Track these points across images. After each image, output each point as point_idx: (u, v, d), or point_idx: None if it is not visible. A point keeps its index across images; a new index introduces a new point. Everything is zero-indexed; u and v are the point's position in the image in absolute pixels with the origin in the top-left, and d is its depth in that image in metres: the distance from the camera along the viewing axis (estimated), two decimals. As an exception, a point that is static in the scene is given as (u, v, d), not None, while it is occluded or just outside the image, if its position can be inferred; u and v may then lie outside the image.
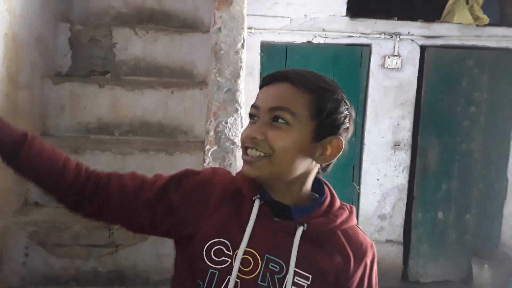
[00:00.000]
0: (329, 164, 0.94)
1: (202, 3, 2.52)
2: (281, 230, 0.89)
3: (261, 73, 3.84)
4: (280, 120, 0.86)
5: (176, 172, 0.96)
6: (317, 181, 0.96)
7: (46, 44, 2.18)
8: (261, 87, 0.93)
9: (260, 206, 0.90)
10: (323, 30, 3.84)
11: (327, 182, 0.98)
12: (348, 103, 0.92)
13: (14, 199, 1.87)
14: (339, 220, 0.91)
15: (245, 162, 0.89)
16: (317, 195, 0.96)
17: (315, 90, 0.88)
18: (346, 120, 0.91)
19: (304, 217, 0.91)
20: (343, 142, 0.90)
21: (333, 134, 0.89)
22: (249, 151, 0.88)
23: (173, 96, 2.23)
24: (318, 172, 0.95)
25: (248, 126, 0.91)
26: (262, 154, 0.86)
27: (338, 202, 0.95)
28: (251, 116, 0.91)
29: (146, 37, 2.39)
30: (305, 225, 0.88)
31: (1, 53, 1.75)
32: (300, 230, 0.88)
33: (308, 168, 0.91)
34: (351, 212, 0.95)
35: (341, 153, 0.91)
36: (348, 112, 0.91)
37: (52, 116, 2.14)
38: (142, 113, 2.22)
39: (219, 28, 1.84)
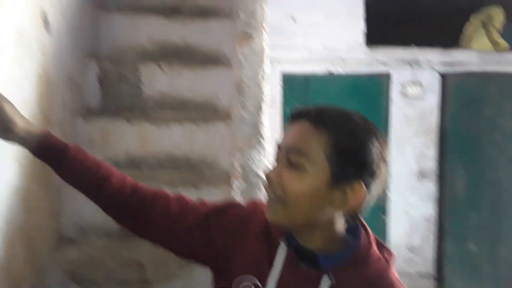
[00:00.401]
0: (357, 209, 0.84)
1: (224, 38, 2.59)
2: (306, 278, 0.84)
3: (283, 104, 3.89)
4: (295, 163, 0.81)
5: (220, 203, 0.98)
6: (353, 220, 0.88)
7: (76, 82, 2.27)
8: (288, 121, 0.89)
9: (287, 250, 0.86)
10: (342, 59, 3.89)
11: (364, 223, 0.91)
12: (380, 144, 0.83)
13: (48, 234, 1.92)
14: (372, 274, 0.83)
15: (266, 203, 0.87)
16: (351, 238, 0.88)
17: (334, 129, 0.81)
18: (373, 164, 0.81)
19: (332, 266, 0.83)
20: (366, 189, 0.81)
21: (355, 179, 0.81)
22: (267, 192, 0.85)
23: (198, 130, 2.28)
24: (347, 217, 0.86)
25: (272, 166, 0.88)
26: (276, 197, 0.82)
27: (374, 250, 0.86)
28: (275, 155, 0.87)
29: (171, 72, 2.46)
30: (332, 277, 0.81)
31: (35, 92, 1.83)
32: (326, 283, 0.81)
33: (331, 214, 0.83)
34: (388, 263, 0.86)
35: (366, 200, 0.82)
36: (376, 154, 0.82)
37: (82, 151, 2.21)
38: (169, 147, 2.27)
39: (241, 63, 1.90)
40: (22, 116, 0.97)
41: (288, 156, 0.82)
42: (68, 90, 2.17)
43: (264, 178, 0.86)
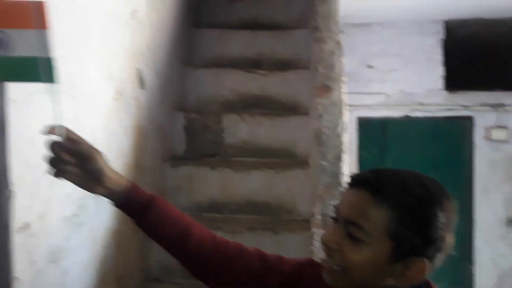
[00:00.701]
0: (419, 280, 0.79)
1: (301, 88, 2.68)
2: None
3: (358, 149, 3.89)
4: (354, 236, 0.77)
5: (301, 260, 0.98)
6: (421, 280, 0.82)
7: (165, 132, 2.46)
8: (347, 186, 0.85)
9: None
10: (421, 104, 3.84)
11: (433, 285, 0.85)
12: (447, 213, 0.78)
13: (137, 273, 2.05)
14: None
15: (323, 265, 0.84)
16: None
17: (396, 202, 0.76)
18: (438, 239, 0.77)
19: None
20: (430, 262, 0.77)
21: (417, 255, 0.77)
22: (325, 256, 0.82)
23: (277, 176, 2.35)
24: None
25: (330, 226, 0.84)
26: (335, 266, 0.80)
27: None
28: (334, 216, 0.83)
29: (251, 121, 2.58)
30: None
31: (130, 143, 2.01)
32: None
33: (391, 283, 0.80)
34: None
35: (429, 271, 0.78)
36: (442, 227, 0.77)
37: (169, 196, 2.35)
38: (249, 193, 2.35)
39: (320, 115, 1.97)
40: (111, 168, 0.96)
41: (347, 227, 0.78)
42: (157, 139, 2.35)
43: (321, 242, 0.83)
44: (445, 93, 3.83)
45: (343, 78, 1.97)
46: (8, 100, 1.09)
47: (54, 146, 0.91)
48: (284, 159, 2.54)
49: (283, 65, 2.83)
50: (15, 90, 1.11)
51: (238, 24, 3.09)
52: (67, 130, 0.93)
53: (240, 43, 2.89)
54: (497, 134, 3.77)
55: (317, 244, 1.60)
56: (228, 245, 0.99)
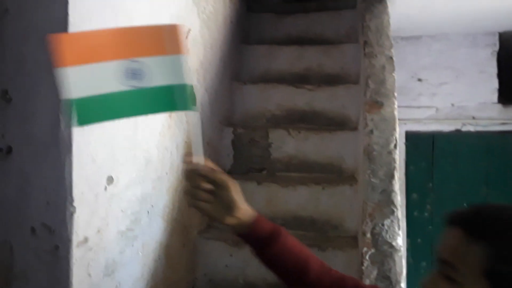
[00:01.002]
0: None
1: (349, 102, 2.66)
2: None
3: (406, 164, 3.80)
4: (449, 276, 0.75)
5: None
6: None
7: (214, 146, 2.49)
8: (445, 224, 0.83)
9: None
10: (473, 118, 3.71)
11: None
12: None
13: (184, 286, 2.08)
14: None
15: None
16: None
17: (493, 241, 0.72)
18: None
19: None
20: None
21: None
22: None
23: (324, 192, 2.33)
24: None
25: (431, 272, 0.82)
26: None
27: None
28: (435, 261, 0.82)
29: (298, 136, 2.57)
30: None
31: (181, 158, 2.05)
32: None
33: None
34: None
35: None
36: None
37: (217, 211, 2.38)
38: (295, 208, 2.34)
39: (371, 130, 1.93)
40: (242, 199, 0.97)
41: (442, 268, 0.77)
42: (207, 154, 2.38)
43: (421, 285, 0.82)
44: (499, 106, 3.68)
45: (395, 94, 1.94)
46: (72, 119, 1.14)
47: (191, 173, 0.93)
48: (331, 174, 2.51)
49: (331, 80, 2.82)
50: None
51: (286, 40, 3.11)
52: (205, 159, 0.96)
53: (288, 58, 2.90)
54: (555, 150, 3.60)
55: (367, 264, 1.57)
56: (344, 279, 1.00)
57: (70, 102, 0.80)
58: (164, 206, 1.81)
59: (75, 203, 1.17)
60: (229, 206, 0.94)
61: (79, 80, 0.79)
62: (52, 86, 1.12)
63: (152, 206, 1.67)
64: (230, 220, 0.96)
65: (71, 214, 1.17)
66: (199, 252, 2.17)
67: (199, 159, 0.95)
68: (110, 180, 1.34)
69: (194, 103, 0.91)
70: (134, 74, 0.84)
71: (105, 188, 1.31)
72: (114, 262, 1.42)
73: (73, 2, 1.10)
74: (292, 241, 1.00)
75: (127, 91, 0.84)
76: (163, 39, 0.85)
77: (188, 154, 0.95)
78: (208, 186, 0.93)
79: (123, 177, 1.42)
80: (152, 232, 1.71)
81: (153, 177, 1.67)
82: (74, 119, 0.83)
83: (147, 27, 0.87)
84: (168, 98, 0.88)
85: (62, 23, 1.10)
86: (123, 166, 1.42)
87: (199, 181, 0.92)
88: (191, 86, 0.89)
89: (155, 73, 0.86)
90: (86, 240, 1.24)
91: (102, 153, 1.29)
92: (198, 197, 0.93)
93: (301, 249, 1.00)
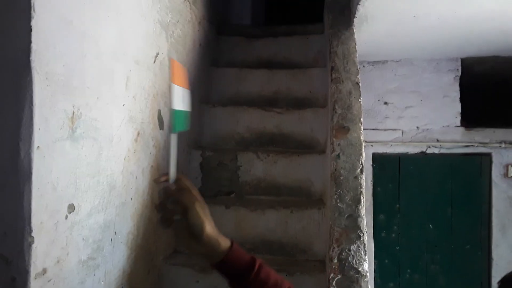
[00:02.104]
0: None
1: (317, 125, 2.69)
2: None
3: (373, 185, 3.86)
4: None
5: None
6: None
7: (182, 170, 2.47)
8: None
9: None
10: (437, 140, 3.82)
11: None
12: None
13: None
14: None
15: None
16: None
17: None
18: None
19: None
20: None
21: None
22: None
23: (292, 216, 2.33)
24: None
25: None
26: None
27: None
28: None
29: (267, 159, 2.58)
30: None
31: (147, 183, 2.01)
32: None
33: None
34: None
35: None
36: None
37: (184, 235, 2.34)
38: (264, 232, 2.33)
39: (338, 155, 1.95)
40: (212, 225, 0.91)
41: None
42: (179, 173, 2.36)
43: None
44: (462, 129, 3.80)
45: (361, 119, 1.97)
46: (34, 147, 1.11)
47: (162, 192, 0.92)
48: (299, 197, 2.52)
49: (299, 103, 2.85)
50: (39, 137, 1.13)
51: (255, 63, 3.14)
52: (181, 177, 0.96)
53: (257, 81, 2.92)
54: (516, 172, 3.72)
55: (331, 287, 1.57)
56: None
57: (174, 112, 0.99)
58: (128, 232, 1.77)
59: (34, 233, 1.13)
60: (194, 230, 0.88)
61: (178, 97, 1.02)
62: (11, 115, 1.09)
63: (115, 233, 1.63)
64: (197, 248, 0.90)
65: (29, 245, 1.13)
66: (165, 279, 2.13)
67: (172, 176, 0.96)
68: (71, 208, 1.30)
69: (180, 127, 1.04)
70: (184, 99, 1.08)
71: (66, 217, 1.27)
72: (74, 292, 1.37)
73: (36, 29, 1.08)
74: (268, 272, 0.97)
75: (185, 110, 1.08)
76: (181, 74, 1.08)
77: (165, 173, 0.96)
78: (171, 206, 0.89)
79: (85, 205, 1.39)
80: (115, 260, 1.66)
81: (117, 203, 1.63)
82: (174, 126, 1.00)
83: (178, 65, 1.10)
84: (184, 120, 1.08)
85: (25, 51, 1.08)
86: (86, 193, 1.39)
87: (165, 201, 0.90)
88: (174, 111, 1.01)
89: (187, 100, 1.11)
90: (44, 271, 1.20)
91: (64, 181, 1.26)
92: (165, 219, 0.90)
93: (276, 279, 0.97)
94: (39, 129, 1.12)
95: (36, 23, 1.09)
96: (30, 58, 1.08)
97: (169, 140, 0.99)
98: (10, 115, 1.10)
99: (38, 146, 1.13)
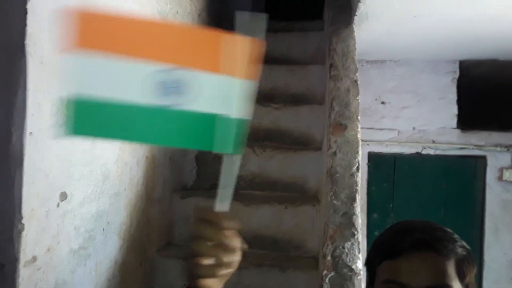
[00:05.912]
0: None
1: (314, 122, 2.68)
2: None
3: (368, 184, 3.86)
4: None
5: None
6: None
7: (176, 162, 2.45)
8: (391, 254, 0.83)
9: None
10: (433, 142, 3.81)
11: None
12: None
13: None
14: None
15: None
16: None
17: (455, 252, 0.81)
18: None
19: None
20: None
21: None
22: None
23: (286, 211, 2.32)
24: None
25: None
26: None
27: None
28: None
29: (262, 154, 2.56)
30: None
31: (142, 173, 2.00)
32: None
33: None
34: None
35: None
36: None
37: (177, 227, 2.33)
38: (257, 227, 2.32)
39: (334, 152, 1.94)
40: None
41: None
42: (169, 170, 2.34)
43: None
44: (457, 131, 3.80)
45: (358, 117, 1.96)
46: (26, 132, 1.09)
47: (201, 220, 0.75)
48: (294, 193, 2.51)
49: (296, 99, 2.84)
50: (32, 122, 1.11)
51: (253, 57, 3.11)
52: (223, 216, 0.78)
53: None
54: (509, 175, 3.73)
55: (326, 287, 1.56)
56: None
57: (70, 99, 0.57)
58: (121, 223, 1.75)
59: (24, 220, 1.11)
60: (205, 276, 0.74)
61: (90, 71, 0.55)
62: (3, 99, 1.07)
63: (108, 223, 1.61)
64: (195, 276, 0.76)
65: (19, 232, 1.11)
66: (157, 270, 2.11)
67: (224, 206, 0.74)
68: (63, 196, 1.28)
69: (240, 144, 0.67)
70: (170, 88, 0.60)
71: (58, 205, 1.26)
72: (64, 282, 1.35)
73: (32, 12, 1.06)
74: None
75: (151, 107, 0.60)
76: (220, 51, 0.62)
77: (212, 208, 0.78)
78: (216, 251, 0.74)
79: (77, 193, 1.37)
80: (106, 250, 1.65)
81: (111, 193, 1.61)
82: (69, 123, 0.59)
83: (204, 30, 0.64)
84: (206, 131, 0.64)
85: (20, 34, 1.06)
86: (79, 182, 1.37)
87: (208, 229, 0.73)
88: (242, 122, 0.64)
89: (198, 93, 0.62)
90: (34, 259, 1.18)
91: (56, 168, 1.24)
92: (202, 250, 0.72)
93: None
94: (32, 114, 1.10)
95: (32, 6, 1.07)
96: (25, 41, 1.06)
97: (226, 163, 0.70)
98: (2, 100, 1.08)
99: (30, 132, 1.11)
